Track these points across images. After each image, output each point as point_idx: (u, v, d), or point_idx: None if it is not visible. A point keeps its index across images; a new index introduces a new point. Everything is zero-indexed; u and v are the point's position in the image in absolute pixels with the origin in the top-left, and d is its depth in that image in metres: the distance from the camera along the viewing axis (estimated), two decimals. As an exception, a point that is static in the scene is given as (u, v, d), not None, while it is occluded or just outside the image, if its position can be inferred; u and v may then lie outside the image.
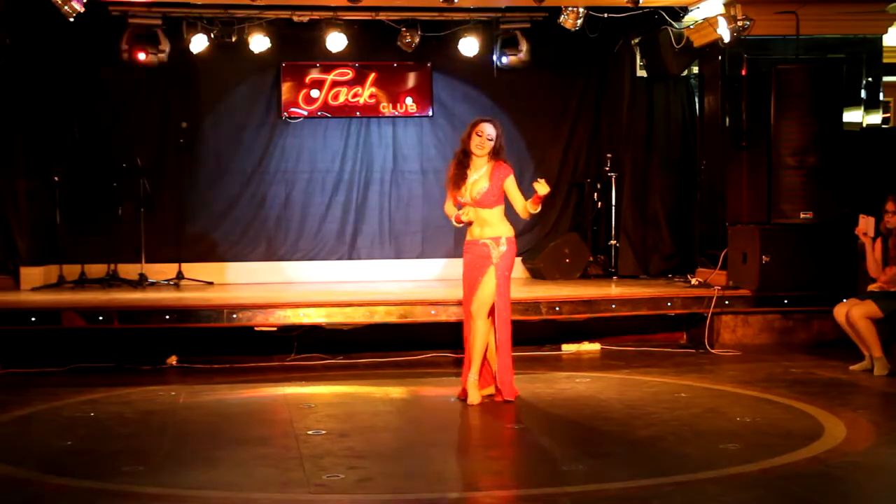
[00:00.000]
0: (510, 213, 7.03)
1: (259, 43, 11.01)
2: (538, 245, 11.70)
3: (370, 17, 11.11)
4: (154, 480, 5.15)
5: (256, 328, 8.95)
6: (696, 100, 11.49)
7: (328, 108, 11.75)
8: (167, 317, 8.74)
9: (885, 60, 10.67)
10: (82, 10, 9.14)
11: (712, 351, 9.33)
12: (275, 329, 9.04)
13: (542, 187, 6.68)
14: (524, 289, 9.98)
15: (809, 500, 4.86)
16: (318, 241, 11.84)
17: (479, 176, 6.91)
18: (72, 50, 10.89)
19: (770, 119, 9.62)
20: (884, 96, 10.87)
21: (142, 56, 10.68)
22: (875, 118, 10.58)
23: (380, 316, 8.93)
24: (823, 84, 9.62)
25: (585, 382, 7.90)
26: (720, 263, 10.15)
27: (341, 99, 11.76)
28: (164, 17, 10.74)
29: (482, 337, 6.91)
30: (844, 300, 8.27)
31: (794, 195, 9.62)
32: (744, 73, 10.14)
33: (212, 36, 10.94)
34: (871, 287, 8.26)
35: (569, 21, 10.12)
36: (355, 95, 11.76)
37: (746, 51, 10.17)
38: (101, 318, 8.67)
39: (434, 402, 7.49)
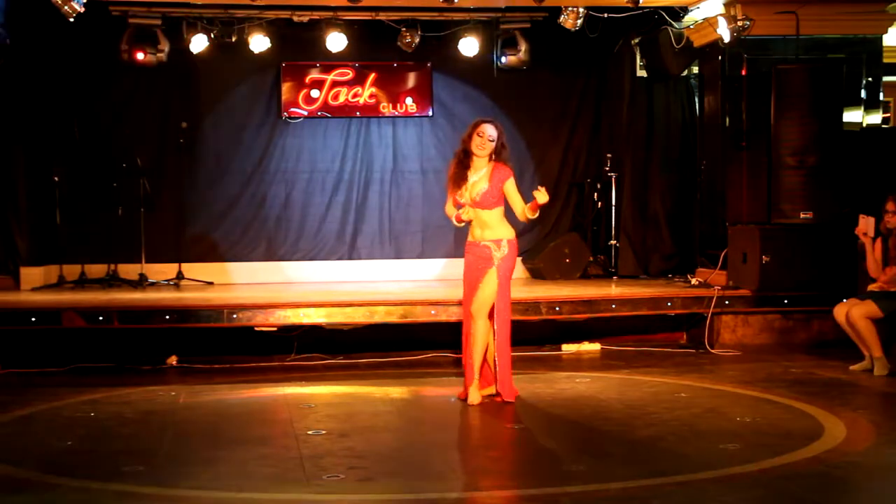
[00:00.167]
0: (510, 213, 7.04)
1: (259, 43, 11.01)
2: (538, 245, 11.71)
3: (370, 17, 11.11)
4: (154, 480, 5.16)
5: (256, 328, 8.95)
6: (696, 100, 11.49)
7: (328, 108, 11.75)
8: (167, 317, 8.74)
9: (885, 60, 10.67)
10: (82, 10, 9.14)
11: (712, 351, 9.33)
12: (275, 329, 9.04)
13: (541, 196, 6.69)
14: (524, 289, 9.98)
15: (809, 500, 4.86)
16: (318, 241, 11.84)
17: (480, 177, 6.92)
18: (72, 50, 10.89)
19: (770, 119, 9.61)
20: (884, 96, 10.87)
21: (141, 56, 10.69)
22: (875, 118, 10.59)
23: (380, 316, 8.93)
24: (823, 84, 9.62)
25: (585, 382, 7.90)
26: (720, 263, 10.15)
27: (341, 99, 11.76)
28: (164, 17, 10.75)
29: (482, 337, 6.91)
30: (844, 300, 8.27)
31: (794, 195, 9.61)
32: (744, 73, 10.14)
33: (212, 36, 10.94)
34: (871, 287, 8.26)
35: (569, 21, 10.13)
36: (355, 95, 11.76)
37: (746, 51, 10.17)
38: (101, 318, 8.68)
39: (434, 402, 7.49)
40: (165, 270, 11.04)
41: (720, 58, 10.51)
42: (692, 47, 10.78)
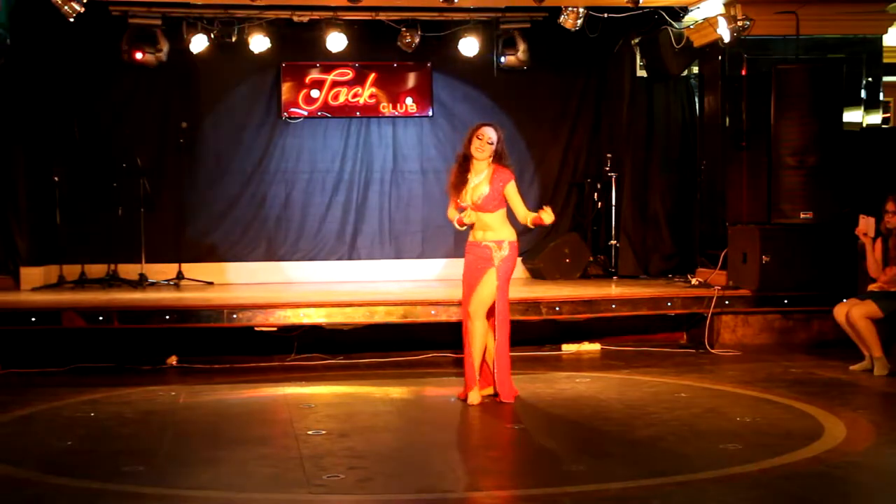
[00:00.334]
0: (511, 214, 7.04)
1: (259, 43, 11.01)
2: (538, 245, 11.70)
3: (370, 17, 11.11)
4: (154, 480, 5.15)
5: (256, 328, 8.95)
6: (696, 100, 11.49)
7: (328, 108, 11.75)
8: (167, 317, 8.74)
9: (885, 60, 10.67)
10: (82, 10, 9.14)
11: (712, 351, 9.33)
12: (275, 329, 9.04)
13: (547, 216, 6.77)
14: (524, 289, 9.98)
15: (809, 500, 4.86)
16: (318, 241, 11.84)
17: (480, 180, 6.93)
18: (72, 50, 10.89)
19: (770, 119, 9.61)
20: (884, 96, 10.87)
21: (141, 56, 10.70)
22: (875, 118, 10.59)
23: (380, 316, 8.93)
24: (823, 84, 9.62)
25: (585, 382, 7.90)
26: (720, 263, 10.15)
27: (341, 99, 11.76)
28: (164, 18, 10.75)
29: (481, 337, 6.91)
30: (844, 300, 8.27)
31: (794, 195, 9.61)
32: (744, 73, 10.14)
33: (212, 36, 10.94)
34: (871, 287, 8.26)
35: (569, 21, 10.13)
36: (355, 95, 11.76)
37: (746, 51, 10.17)
38: (101, 318, 8.67)
39: (434, 402, 7.49)
40: (165, 270, 11.04)
41: (720, 58, 10.51)
42: (692, 47, 10.78)
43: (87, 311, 8.71)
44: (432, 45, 11.46)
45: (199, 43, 10.91)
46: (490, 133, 6.93)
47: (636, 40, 11.51)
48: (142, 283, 10.64)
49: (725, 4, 9.89)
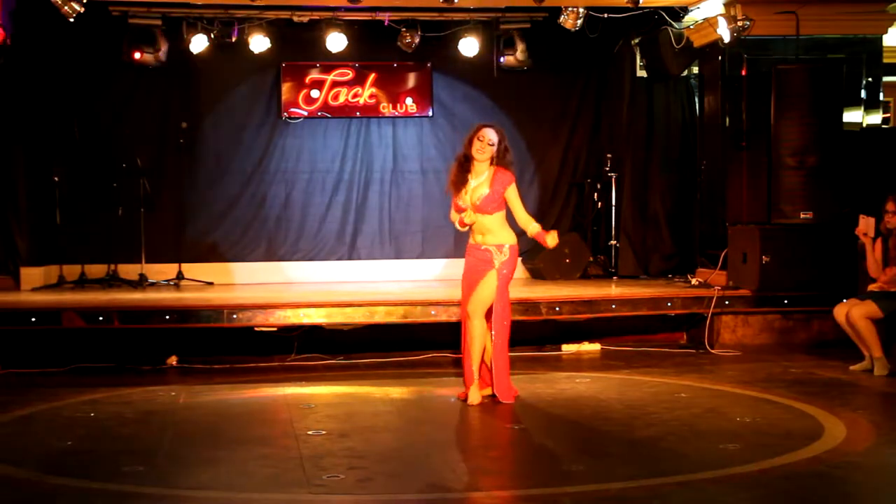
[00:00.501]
0: (511, 217, 7.04)
1: (259, 43, 11.01)
2: (538, 245, 11.61)
3: (370, 17, 11.11)
4: (154, 480, 5.15)
5: (256, 328, 8.95)
6: (696, 100, 11.49)
7: (328, 108, 11.75)
8: (167, 317, 8.74)
9: (885, 60, 10.67)
10: (82, 10, 9.14)
11: (712, 351, 9.33)
12: (275, 329, 9.04)
13: (552, 239, 6.89)
14: (524, 289, 9.98)
15: (809, 500, 4.86)
16: (318, 242, 11.84)
17: (481, 182, 6.93)
18: (72, 50, 10.90)
19: (770, 119, 9.62)
20: (884, 96, 10.88)
21: (141, 56, 10.69)
22: (875, 118, 10.59)
23: (380, 316, 8.93)
24: (823, 84, 9.62)
25: (585, 382, 7.90)
26: (720, 263, 10.15)
27: (341, 99, 11.76)
28: (164, 18, 10.76)
29: (479, 337, 6.90)
30: (844, 300, 8.27)
31: (794, 195, 9.61)
32: (744, 73, 10.14)
33: (212, 36, 10.94)
34: (871, 287, 8.26)
35: (569, 21, 10.13)
36: (355, 96, 11.76)
37: (746, 51, 10.18)
38: (101, 318, 8.67)
39: (434, 402, 7.49)
40: (165, 270, 11.04)
41: (720, 58, 10.51)
42: (692, 47, 10.78)
43: (87, 311, 8.71)
44: (432, 46, 11.46)
45: (198, 43, 10.91)
46: (490, 134, 6.93)
47: (636, 40, 11.51)
48: (142, 283, 10.64)
49: (725, 4, 9.89)
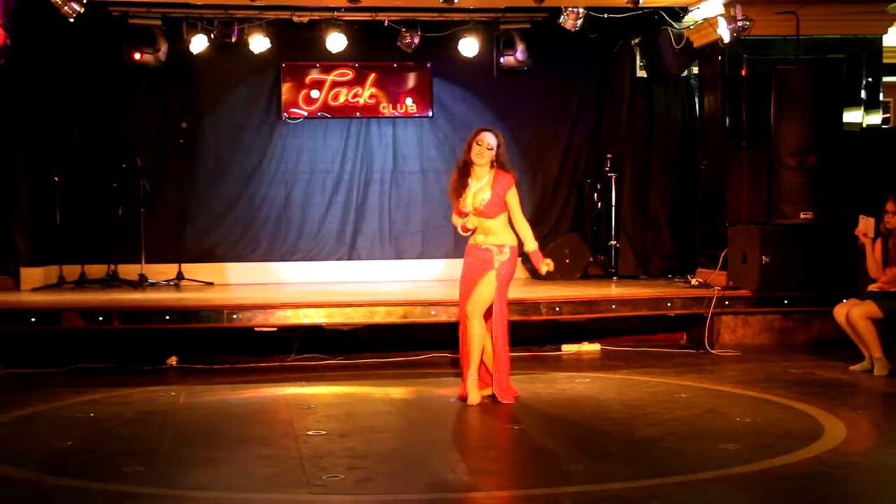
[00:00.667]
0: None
1: (259, 43, 11.01)
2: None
3: (370, 18, 11.11)
4: (154, 480, 5.15)
5: (256, 328, 8.96)
6: (696, 100, 11.49)
7: (328, 108, 11.75)
8: (167, 317, 8.74)
9: (885, 60, 10.67)
10: (82, 10, 9.14)
11: (712, 351, 9.33)
12: (275, 329, 9.04)
13: (546, 267, 6.95)
14: (524, 289, 9.98)
15: (809, 500, 4.86)
16: (318, 242, 11.84)
17: (481, 186, 6.93)
18: (72, 50, 10.90)
19: (770, 119, 9.61)
20: (884, 96, 10.88)
21: (141, 56, 10.69)
22: (875, 118, 10.59)
23: (380, 316, 8.93)
24: (823, 84, 9.62)
25: (585, 383, 7.90)
26: (720, 263, 10.15)
27: (341, 99, 11.76)
28: (163, 18, 10.76)
29: (478, 337, 6.90)
30: (844, 300, 8.27)
31: (794, 195, 9.61)
32: (744, 73, 10.14)
33: (212, 36, 10.94)
34: (871, 287, 8.26)
35: (569, 21, 10.12)
36: (355, 96, 11.77)
37: (746, 51, 10.18)
38: (101, 318, 8.68)
39: (434, 402, 7.49)
40: (165, 271, 11.04)
41: (720, 58, 10.51)
42: (692, 47, 10.78)
43: (87, 312, 8.71)
44: (432, 46, 11.46)
45: (198, 43, 10.91)
46: (489, 139, 6.93)
47: (636, 40, 11.52)
48: (142, 283, 10.63)
49: (725, 4, 9.89)
